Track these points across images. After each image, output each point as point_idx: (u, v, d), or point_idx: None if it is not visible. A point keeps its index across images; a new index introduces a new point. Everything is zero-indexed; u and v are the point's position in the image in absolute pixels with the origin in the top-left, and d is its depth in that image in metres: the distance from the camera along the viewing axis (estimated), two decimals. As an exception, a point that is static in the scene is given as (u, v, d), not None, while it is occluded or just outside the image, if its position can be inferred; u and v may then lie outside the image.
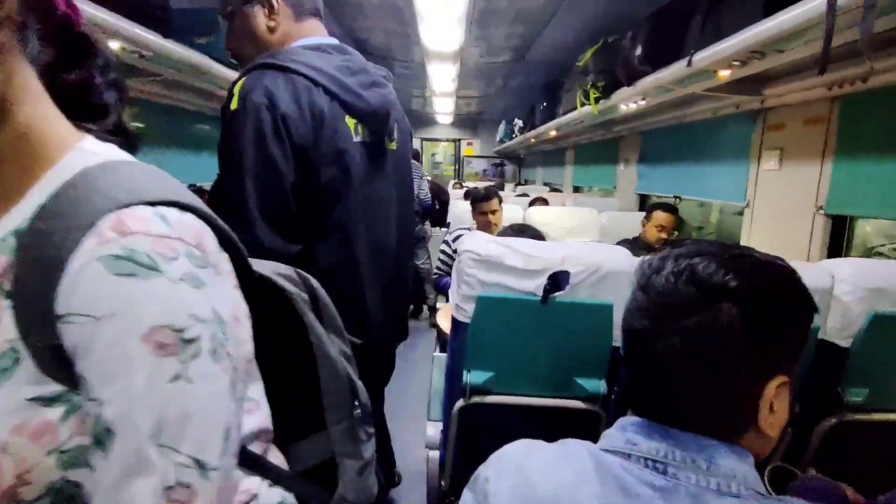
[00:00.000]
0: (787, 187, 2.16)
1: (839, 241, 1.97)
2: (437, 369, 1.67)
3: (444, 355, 1.75)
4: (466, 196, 4.04)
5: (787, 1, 1.36)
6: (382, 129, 1.10)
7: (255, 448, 0.53)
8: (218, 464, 0.40)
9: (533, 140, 5.42)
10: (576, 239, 3.03)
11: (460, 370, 1.28)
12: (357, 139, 1.05)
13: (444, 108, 7.17)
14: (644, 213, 2.94)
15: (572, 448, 0.55)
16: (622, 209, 3.88)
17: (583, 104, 2.86)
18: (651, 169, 3.65)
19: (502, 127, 6.91)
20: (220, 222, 0.46)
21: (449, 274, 2.86)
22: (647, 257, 0.56)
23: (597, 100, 2.69)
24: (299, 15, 1.11)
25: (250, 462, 0.51)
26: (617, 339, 1.26)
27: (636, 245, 2.90)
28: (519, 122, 5.66)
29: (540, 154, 7.81)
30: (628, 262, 1.25)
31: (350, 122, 1.04)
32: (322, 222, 1.03)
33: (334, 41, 1.11)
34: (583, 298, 1.22)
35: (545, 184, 7.38)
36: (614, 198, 4.09)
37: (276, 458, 0.58)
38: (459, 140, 9.60)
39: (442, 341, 2.06)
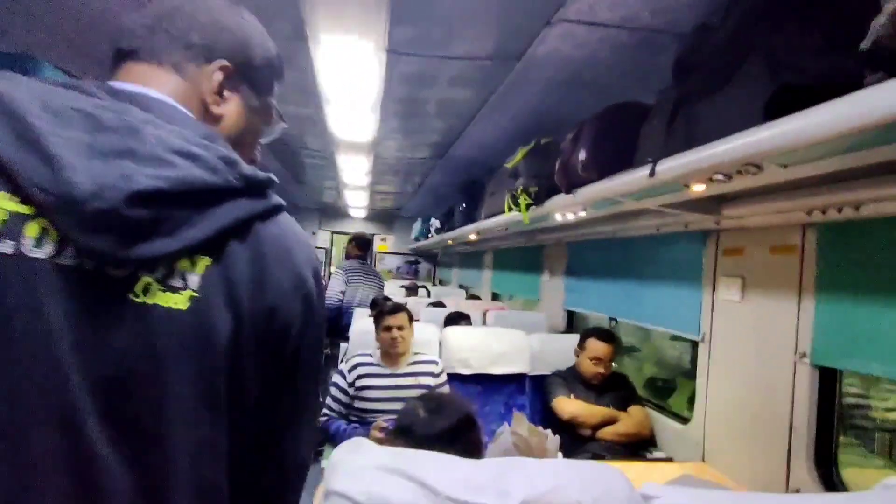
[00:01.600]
0: (755, 324, 1.80)
1: (830, 395, 1.59)
2: None
3: None
4: (373, 306, 3.46)
5: (797, 104, 1.02)
6: (91, 240, 0.47)
7: None
8: None
9: (450, 242, 5.05)
10: (504, 369, 2.51)
11: None
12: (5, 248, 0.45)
13: (357, 202, 6.74)
14: (578, 339, 2.51)
15: None
16: (550, 325, 3.48)
17: (511, 209, 2.47)
18: (580, 283, 3.31)
19: (418, 225, 6.56)
20: None
21: (342, 416, 2.19)
22: None
23: (528, 206, 2.31)
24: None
25: None
26: None
27: (572, 378, 2.43)
28: (436, 223, 5.31)
29: (457, 255, 7.50)
30: (630, 498, 0.71)
31: (8, 205, 0.46)
32: None
33: (127, 86, 0.56)
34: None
35: (461, 286, 7.00)
36: (540, 311, 3.69)
37: None
38: (373, 235, 9.16)
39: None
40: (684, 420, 2.19)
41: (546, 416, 2.35)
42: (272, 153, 4.47)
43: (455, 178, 4.40)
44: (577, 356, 2.45)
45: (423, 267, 9.46)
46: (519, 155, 2.34)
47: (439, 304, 4.03)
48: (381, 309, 2.31)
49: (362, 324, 2.57)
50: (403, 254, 9.19)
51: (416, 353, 2.30)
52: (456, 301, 4.31)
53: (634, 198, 1.73)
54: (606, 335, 2.42)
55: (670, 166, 1.39)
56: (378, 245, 9.24)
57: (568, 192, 2.00)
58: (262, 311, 0.55)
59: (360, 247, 4.14)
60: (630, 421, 2.26)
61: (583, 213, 2.11)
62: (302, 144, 3.78)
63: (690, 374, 3.73)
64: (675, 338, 4.03)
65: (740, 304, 1.87)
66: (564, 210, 2.15)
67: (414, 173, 4.63)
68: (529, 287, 4.25)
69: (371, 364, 2.22)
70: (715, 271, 2.02)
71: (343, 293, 3.86)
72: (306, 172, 5.13)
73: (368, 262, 4.30)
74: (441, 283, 8.51)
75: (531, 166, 2.32)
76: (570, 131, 2.02)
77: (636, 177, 1.56)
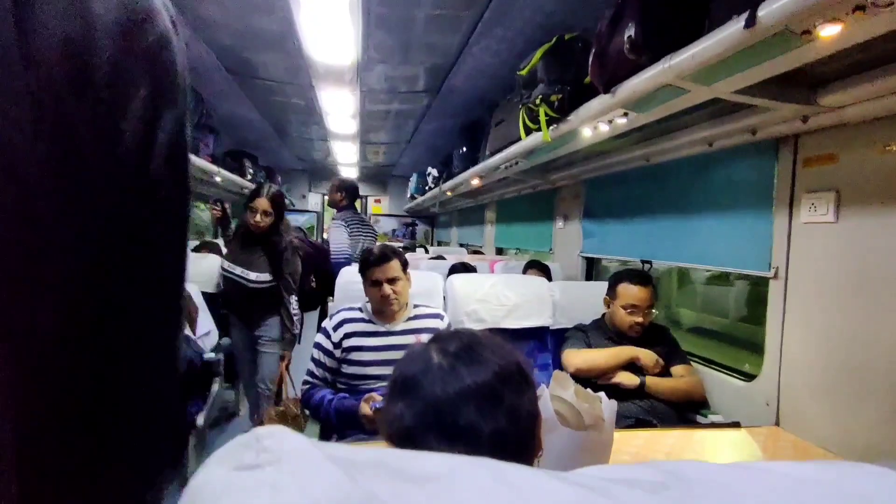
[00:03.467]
0: (858, 250, 1.38)
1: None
2: None
3: None
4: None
5: None
6: None
7: None
8: None
9: (449, 193, 4.59)
10: (522, 323, 2.10)
11: None
12: None
13: (347, 157, 6.24)
14: (606, 288, 2.09)
15: None
16: (565, 275, 3.07)
17: (528, 132, 2.02)
18: (602, 226, 2.88)
19: (414, 179, 6.08)
20: None
21: (326, 383, 1.78)
22: None
23: (549, 122, 1.86)
24: None
25: None
26: None
27: (601, 332, 2.02)
28: (433, 172, 4.83)
29: (455, 212, 7.05)
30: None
31: None
32: None
33: None
34: None
35: (461, 244, 6.58)
36: (552, 263, 3.26)
37: None
38: (367, 196, 8.68)
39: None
40: (748, 376, 1.79)
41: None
42: (250, 103, 3.97)
43: (452, 122, 3.92)
44: (609, 306, 2.04)
45: (420, 229, 9.03)
46: (536, 55, 1.87)
47: (440, 258, 3.60)
48: (366, 258, 1.83)
49: (348, 274, 2.13)
50: (399, 216, 8.74)
51: (416, 307, 1.88)
52: (458, 257, 3.87)
53: (706, 81, 1.28)
54: (641, 277, 2.00)
55: (784, 3, 0.93)
56: (372, 207, 8.77)
57: (606, 90, 1.55)
58: None
59: (352, 195, 3.58)
60: (680, 380, 1.87)
61: (622, 121, 1.66)
62: (277, 78, 3.27)
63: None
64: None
65: (834, 227, 1.45)
66: (598, 119, 1.70)
67: (407, 116, 4.13)
68: (539, 237, 3.82)
69: (361, 320, 1.80)
70: (793, 188, 1.59)
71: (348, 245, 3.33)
72: (289, 122, 4.62)
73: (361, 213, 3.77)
74: (440, 244, 8.08)
75: (552, 69, 1.85)
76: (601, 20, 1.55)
77: (718, 40, 1.11)
